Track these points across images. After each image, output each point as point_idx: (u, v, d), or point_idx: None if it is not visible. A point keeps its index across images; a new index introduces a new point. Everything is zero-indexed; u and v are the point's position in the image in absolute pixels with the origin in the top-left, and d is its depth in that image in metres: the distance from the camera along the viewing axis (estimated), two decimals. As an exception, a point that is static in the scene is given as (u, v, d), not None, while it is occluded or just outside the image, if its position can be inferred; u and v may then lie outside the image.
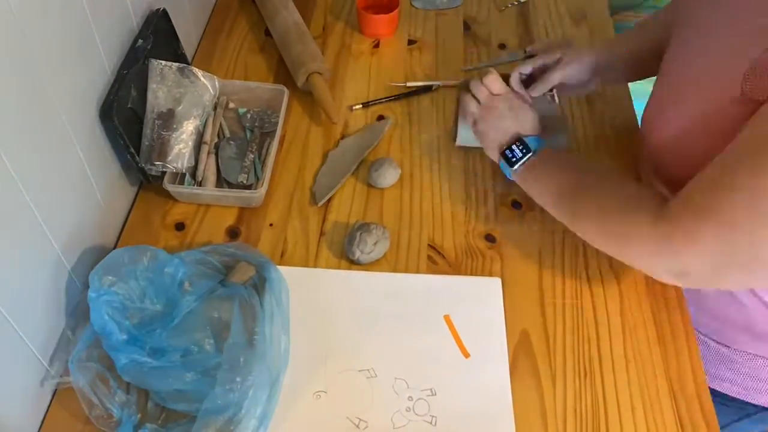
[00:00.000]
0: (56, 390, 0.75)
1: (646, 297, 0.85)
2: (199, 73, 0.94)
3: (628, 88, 1.12)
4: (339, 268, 0.87)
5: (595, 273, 0.87)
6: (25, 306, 0.68)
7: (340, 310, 0.83)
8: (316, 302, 0.83)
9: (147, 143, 0.87)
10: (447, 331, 0.81)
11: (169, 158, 0.88)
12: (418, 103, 1.08)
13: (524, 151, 0.84)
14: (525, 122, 0.87)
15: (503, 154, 0.86)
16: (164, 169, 0.89)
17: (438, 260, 0.88)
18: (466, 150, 1.01)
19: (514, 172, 0.85)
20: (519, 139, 0.85)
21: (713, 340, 0.89)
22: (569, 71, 0.90)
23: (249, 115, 1.02)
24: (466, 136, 0.96)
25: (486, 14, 1.26)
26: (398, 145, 1.02)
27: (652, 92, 0.83)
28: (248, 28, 1.20)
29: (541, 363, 0.79)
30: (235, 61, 1.14)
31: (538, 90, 0.91)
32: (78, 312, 0.77)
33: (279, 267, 0.81)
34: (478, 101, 0.90)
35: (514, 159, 0.85)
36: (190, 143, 0.90)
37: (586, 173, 0.81)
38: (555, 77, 0.90)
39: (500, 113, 0.87)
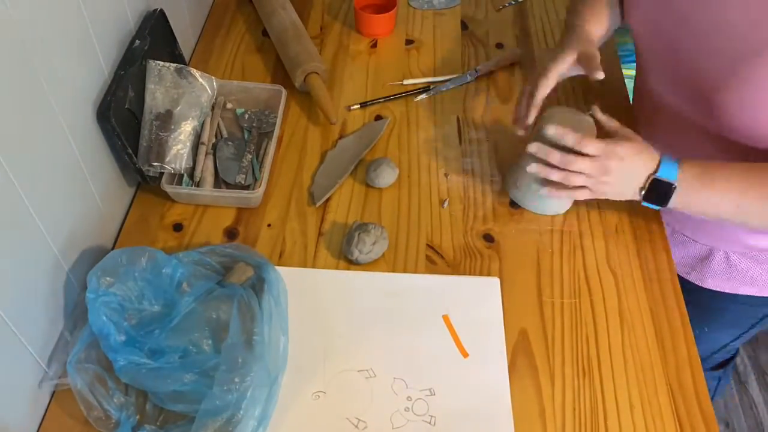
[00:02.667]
0: (54, 391, 0.75)
1: (644, 296, 0.85)
2: (197, 73, 0.94)
3: (624, 86, 1.12)
4: (337, 268, 0.87)
5: (593, 272, 0.87)
6: (23, 307, 0.68)
7: (339, 311, 0.83)
8: (315, 303, 0.83)
9: (145, 144, 0.87)
10: (446, 331, 0.81)
11: (167, 159, 0.88)
12: (416, 103, 1.08)
13: (666, 188, 0.78)
14: (645, 159, 0.79)
15: (647, 200, 0.81)
16: (162, 170, 0.88)
17: (436, 260, 0.88)
18: (465, 150, 1.01)
19: (670, 209, 0.81)
20: (654, 180, 0.79)
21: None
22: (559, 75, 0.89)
23: (247, 116, 1.02)
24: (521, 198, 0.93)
25: (484, 14, 1.26)
26: (396, 145, 1.02)
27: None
28: (245, 29, 1.20)
29: (540, 362, 0.79)
30: (232, 62, 1.14)
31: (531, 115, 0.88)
32: (76, 313, 0.77)
33: (277, 267, 0.80)
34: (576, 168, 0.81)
35: (660, 201, 0.80)
36: (188, 144, 0.90)
37: (753, 181, 0.78)
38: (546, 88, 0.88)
39: (620, 169, 0.80)
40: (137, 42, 0.87)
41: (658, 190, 0.79)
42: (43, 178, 0.70)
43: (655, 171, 0.79)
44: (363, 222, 0.88)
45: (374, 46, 1.18)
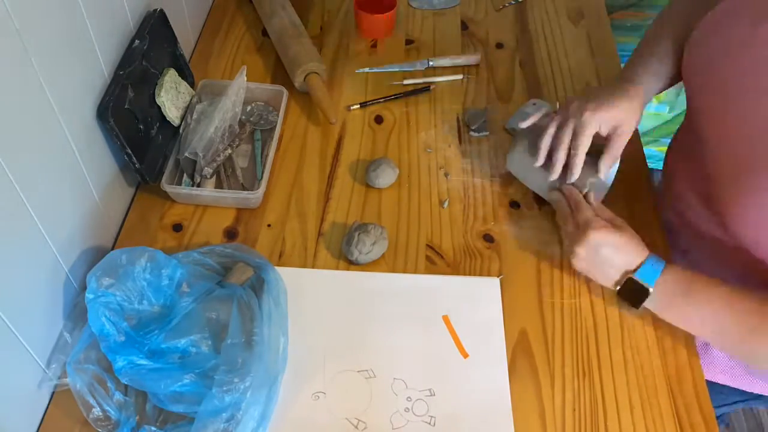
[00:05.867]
0: (54, 392, 0.75)
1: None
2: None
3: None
4: (337, 268, 0.87)
5: (593, 272, 0.87)
6: (22, 308, 0.67)
7: (339, 311, 0.83)
8: (315, 303, 0.83)
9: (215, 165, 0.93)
10: (445, 332, 0.81)
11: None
12: (416, 103, 1.08)
13: (641, 289, 0.76)
14: (627, 253, 0.77)
15: (620, 295, 0.79)
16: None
17: (436, 260, 0.88)
18: (465, 150, 1.01)
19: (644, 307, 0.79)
20: (630, 279, 0.77)
21: None
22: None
23: (248, 108, 1.03)
24: (517, 166, 0.91)
25: (483, 14, 1.26)
26: (396, 144, 1.02)
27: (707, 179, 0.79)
28: (245, 29, 1.20)
29: (540, 363, 0.79)
30: (232, 62, 1.13)
31: (607, 167, 0.84)
32: (75, 314, 0.77)
33: (277, 268, 0.81)
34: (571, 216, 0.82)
35: (633, 302, 0.79)
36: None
37: (738, 310, 0.74)
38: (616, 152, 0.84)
39: (591, 257, 0.78)
40: (137, 42, 0.87)
41: (633, 289, 0.77)
42: (42, 178, 0.70)
43: (635, 270, 0.77)
44: (363, 222, 0.88)
45: (374, 46, 1.18)
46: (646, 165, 1.01)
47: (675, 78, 0.89)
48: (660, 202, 0.95)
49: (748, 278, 0.79)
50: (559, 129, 0.84)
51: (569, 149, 0.83)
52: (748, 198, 0.73)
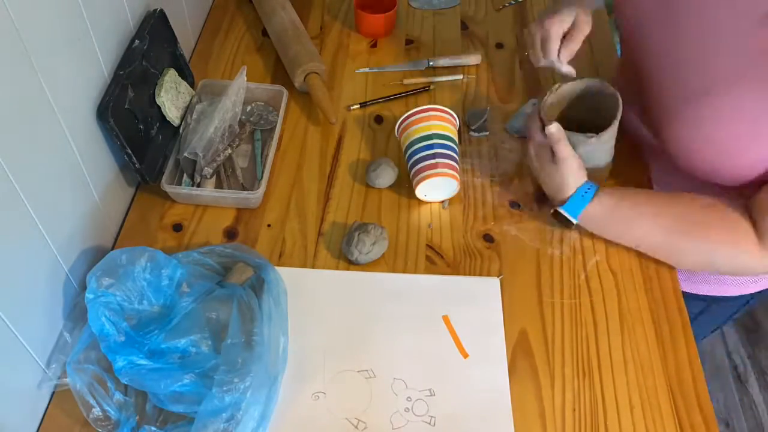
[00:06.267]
0: (54, 392, 0.75)
1: (644, 296, 0.85)
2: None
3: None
4: (337, 268, 0.87)
5: (593, 272, 0.87)
6: (22, 308, 0.67)
7: (339, 311, 0.83)
8: (315, 303, 0.83)
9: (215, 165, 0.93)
10: (445, 332, 0.81)
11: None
12: (416, 103, 1.08)
13: (570, 213, 0.85)
14: (561, 185, 0.85)
15: (555, 219, 0.88)
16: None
17: (436, 260, 0.88)
18: (465, 150, 1.01)
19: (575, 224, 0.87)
20: (556, 211, 0.86)
21: None
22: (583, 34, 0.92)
23: (248, 108, 1.03)
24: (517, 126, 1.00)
25: (483, 14, 1.25)
26: (396, 145, 1.02)
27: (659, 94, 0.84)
28: (245, 29, 1.20)
29: (540, 363, 0.79)
30: (232, 62, 1.13)
31: (566, 57, 0.92)
32: (75, 314, 0.77)
33: (277, 268, 0.81)
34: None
35: (565, 226, 0.88)
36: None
37: (664, 215, 0.83)
38: (574, 46, 0.91)
39: (542, 168, 0.87)
40: (137, 42, 0.87)
41: (561, 218, 0.86)
42: (42, 178, 0.70)
43: (562, 203, 0.85)
44: (363, 222, 0.88)
45: (374, 46, 1.18)
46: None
47: None
48: None
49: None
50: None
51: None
52: (690, 123, 0.79)
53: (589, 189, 0.84)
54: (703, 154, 0.79)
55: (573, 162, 0.83)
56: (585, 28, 0.91)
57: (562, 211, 0.85)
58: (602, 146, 0.86)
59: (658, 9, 0.83)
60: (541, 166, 0.86)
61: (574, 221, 0.85)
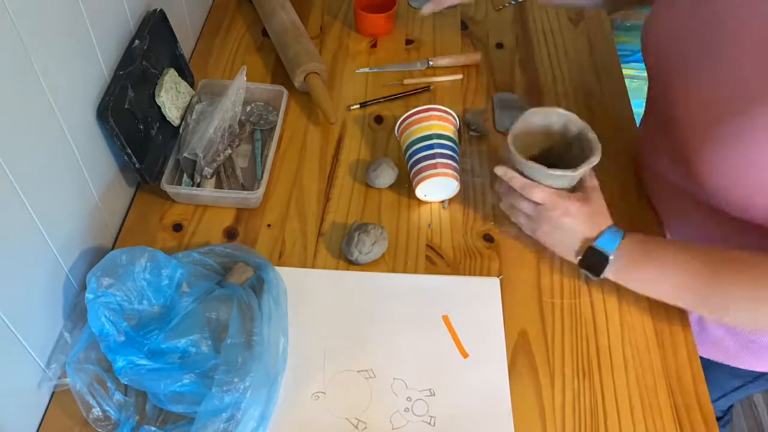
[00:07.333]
0: (54, 392, 0.75)
1: (644, 296, 0.85)
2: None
3: (624, 86, 1.12)
4: (337, 268, 0.87)
5: (593, 272, 0.87)
6: (22, 308, 0.67)
7: (339, 311, 0.83)
8: (315, 303, 0.83)
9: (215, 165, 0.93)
10: (445, 332, 0.81)
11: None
12: (416, 103, 1.08)
13: (601, 257, 0.77)
14: (591, 224, 0.78)
15: (582, 266, 0.80)
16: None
17: (436, 260, 0.88)
18: (465, 150, 1.01)
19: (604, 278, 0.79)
20: (590, 248, 0.78)
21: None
22: None
23: (248, 108, 1.03)
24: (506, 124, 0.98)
25: (483, 14, 1.26)
26: (396, 145, 1.02)
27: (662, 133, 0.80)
28: (245, 28, 1.20)
29: (540, 363, 0.79)
30: (232, 62, 1.13)
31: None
32: (75, 314, 0.77)
33: (277, 268, 0.81)
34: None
35: (595, 271, 0.78)
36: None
37: (706, 263, 0.74)
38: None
39: (558, 225, 0.79)
40: (137, 42, 0.87)
41: (593, 259, 0.78)
42: (42, 178, 0.70)
43: (595, 238, 0.77)
44: (363, 222, 0.88)
45: (374, 46, 1.18)
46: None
47: None
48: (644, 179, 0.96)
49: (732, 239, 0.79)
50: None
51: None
52: (717, 151, 0.71)
53: (616, 228, 0.78)
54: (742, 180, 0.71)
55: (599, 194, 0.78)
56: None
57: (597, 246, 0.77)
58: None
59: (685, 41, 0.76)
60: (545, 219, 0.79)
61: (610, 253, 0.76)
